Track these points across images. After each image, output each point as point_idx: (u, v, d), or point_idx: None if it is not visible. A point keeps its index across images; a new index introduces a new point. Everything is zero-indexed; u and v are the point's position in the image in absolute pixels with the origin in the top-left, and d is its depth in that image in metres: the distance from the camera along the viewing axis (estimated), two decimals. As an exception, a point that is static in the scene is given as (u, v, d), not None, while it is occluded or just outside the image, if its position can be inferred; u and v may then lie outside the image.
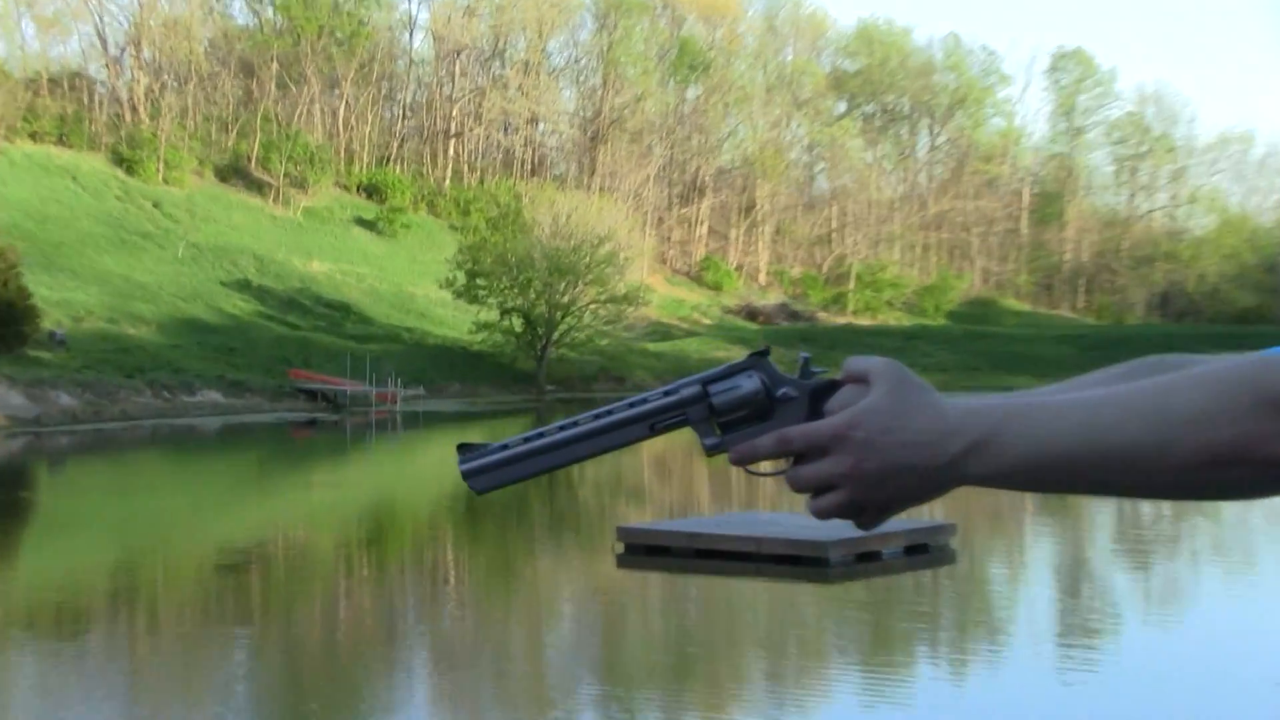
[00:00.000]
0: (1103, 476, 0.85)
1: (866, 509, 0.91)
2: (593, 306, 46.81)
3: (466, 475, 0.98)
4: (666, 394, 0.99)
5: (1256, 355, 0.87)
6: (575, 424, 0.98)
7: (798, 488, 0.92)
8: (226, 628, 10.78)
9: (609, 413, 0.97)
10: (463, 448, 0.99)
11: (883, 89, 66.24)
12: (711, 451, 0.98)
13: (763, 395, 0.97)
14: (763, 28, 63.36)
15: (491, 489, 0.99)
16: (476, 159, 58.93)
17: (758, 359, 0.99)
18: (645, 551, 13.58)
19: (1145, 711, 8.52)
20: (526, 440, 0.97)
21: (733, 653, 10.40)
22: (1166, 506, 17.43)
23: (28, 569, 15.12)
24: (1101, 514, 18.51)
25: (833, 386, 0.94)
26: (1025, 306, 66.77)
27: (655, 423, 0.98)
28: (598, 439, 0.98)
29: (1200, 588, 13.09)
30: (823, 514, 0.92)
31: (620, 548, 13.80)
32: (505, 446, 0.99)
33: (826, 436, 0.89)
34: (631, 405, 0.98)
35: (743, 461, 0.95)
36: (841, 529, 12.06)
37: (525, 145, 58.85)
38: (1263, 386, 0.82)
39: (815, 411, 0.95)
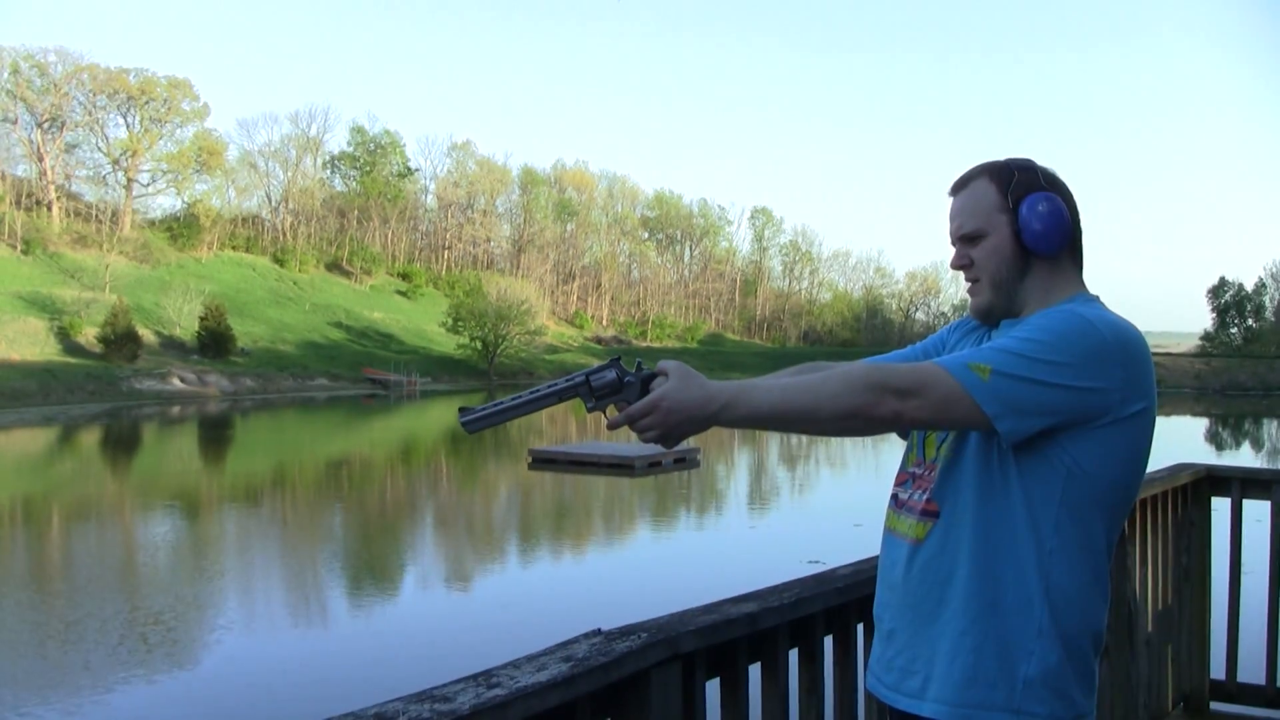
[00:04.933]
0: (789, 422, 1.97)
1: (669, 438, 1.99)
2: (517, 335, 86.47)
3: (466, 424, 2.04)
4: (569, 380, 2.04)
5: (862, 362, 2.11)
6: (532, 391, 2.02)
7: (635, 430, 1.98)
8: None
9: (544, 387, 2.02)
10: (462, 410, 2.02)
11: (667, 226, 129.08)
12: (590, 410, 2.02)
13: (617, 380, 2.03)
14: (605, 192, 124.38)
15: (482, 429, 2.04)
16: (459, 261, 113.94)
17: (615, 361, 2.05)
18: (544, 460, 28.03)
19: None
20: (514, 399, 2.02)
21: (584, 511, 22.41)
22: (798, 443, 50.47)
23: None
24: (768, 444, 38.10)
25: (653, 375, 2.01)
26: (737, 338, 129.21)
27: (563, 395, 2.03)
28: (538, 401, 2.01)
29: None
30: (647, 441, 2.01)
31: (530, 459, 28.34)
32: (500, 403, 2.03)
33: (650, 406, 1.96)
34: (552, 386, 2.03)
35: (614, 428, 2.04)
36: (646, 450, 27.08)
37: (483, 253, 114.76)
38: (868, 379, 1.94)
39: (645, 389, 2.01)
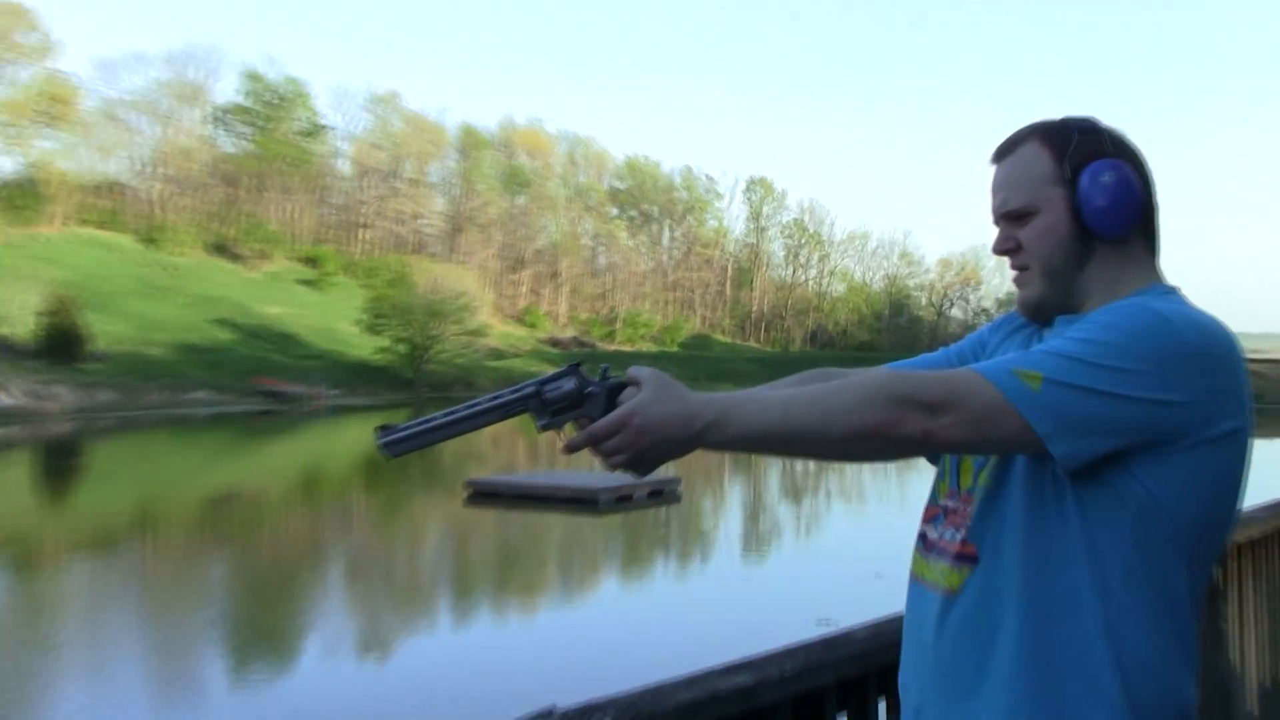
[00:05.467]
0: (791, 444, 1.95)
1: (641, 463, 1.99)
2: (453, 337, 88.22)
3: (385, 447, 2.02)
4: (515, 391, 2.07)
5: (883, 368, 2.09)
6: (470, 405, 2.03)
7: (599, 454, 2.00)
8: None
9: (484, 400, 2.05)
10: (382, 429, 2.03)
11: (641, 200, 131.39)
12: (542, 429, 2.05)
13: (577, 391, 2.05)
14: (565, 159, 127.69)
15: (406, 452, 2.03)
16: (380, 243, 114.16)
17: (574, 368, 2.08)
18: (485, 495, 28.46)
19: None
20: (447, 414, 2.03)
21: (535, 559, 23.44)
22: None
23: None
24: (769, 472, 38.82)
25: (622, 386, 2.03)
26: (728, 339, 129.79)
27: (507, 410, 2.05)
28: (478, 418, 2.04)
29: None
30: (614, 468, 2.00)
31: (467, 492, 28.67)
32: (429, 420, 2.01)
33: (617, 423, 1.96)
34: (494, 398, 2.06)
35: (572, 451, 2.03)
36: (613, 480, 27.46)
37: (411, 234, 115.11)
38: (889, 390, 1.92)
39: (611, 403, 2.02)
